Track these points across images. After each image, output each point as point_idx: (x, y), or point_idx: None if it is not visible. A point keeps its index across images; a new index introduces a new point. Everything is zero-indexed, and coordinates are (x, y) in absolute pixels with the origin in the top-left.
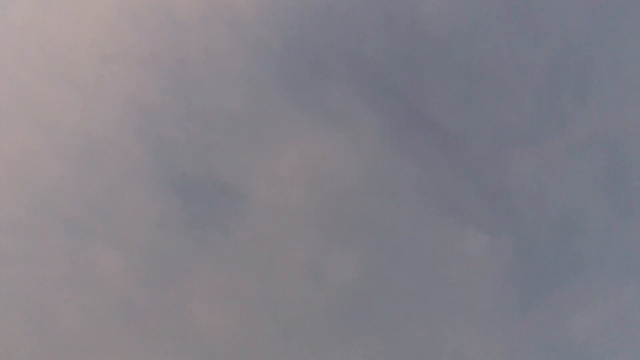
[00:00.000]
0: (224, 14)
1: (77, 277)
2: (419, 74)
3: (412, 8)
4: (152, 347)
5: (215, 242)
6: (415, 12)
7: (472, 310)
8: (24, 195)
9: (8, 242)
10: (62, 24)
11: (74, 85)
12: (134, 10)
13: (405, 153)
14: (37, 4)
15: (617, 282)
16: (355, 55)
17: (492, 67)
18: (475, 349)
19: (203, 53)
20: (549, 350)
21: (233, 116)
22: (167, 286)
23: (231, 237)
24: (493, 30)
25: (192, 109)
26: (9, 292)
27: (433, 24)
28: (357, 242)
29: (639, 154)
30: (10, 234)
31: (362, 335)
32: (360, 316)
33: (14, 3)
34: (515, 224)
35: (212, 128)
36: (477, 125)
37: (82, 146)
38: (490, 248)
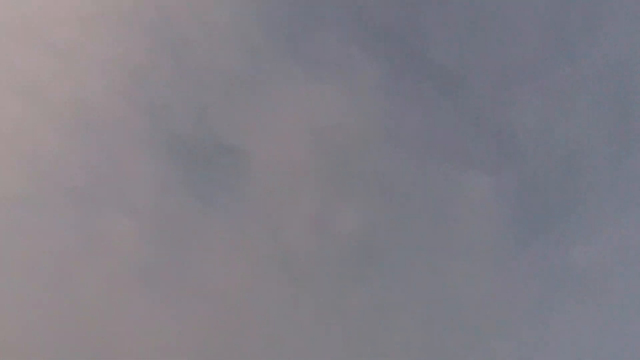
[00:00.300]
0: None
1: (90, 245)
2: (415, 11)
3: None
4: (170, 307)
5: (221, 201)
6: None
7: (477, 250)
8: (25, 170)
9: (17, 217)
10: None
11: (56, 51)
12: None
13: (405, 97)
14: None
15: (619, 214)
16: None
17: None
18: (480, 286)
19: (187, 8)
20: (551, 280)
21: (225, 73)
22: (179, 247)
23: (236, 195)
24: None
25: (182, 68)
26: (25, 266)
27: None
28: (361, 191)
29: None
30: (18, 209)
31: (369, 281)
32: (368, 263)
33: None
34: (519, 163)
35: (205, 87)
36: (478, 62)
37: (74, 115)
38: (494, 189)
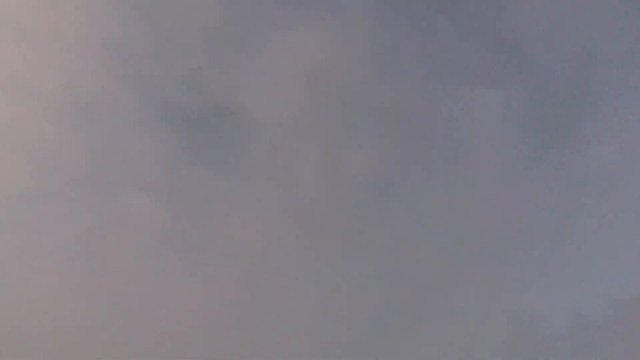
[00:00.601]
0: None
1: (112, 224)
2: None
3: None
4: (194, 269)
5: (228, 162)
6: None
7: (492, 169)
8: (30, 166)
9: (37, 211)
10: None
11: (29, 39)
12: None
13: (397, 21)
14: None
15: (634, 109)
16: None
17: None
18: (499, 203)
19: None
20: (570, 185)
21: (208, 32)
22: (195, 211)
23: (241, 153)
24: None
25: (162, 35)
26: (58, 252)
27: None
28: (366, 128)
29: None
30: (35, 204)
31: (386, 216)
32: (382, 198)
33: None
34: (527, 73)
35: (190, 50)
36: None
37: (63, 102)
38: (503, 104)
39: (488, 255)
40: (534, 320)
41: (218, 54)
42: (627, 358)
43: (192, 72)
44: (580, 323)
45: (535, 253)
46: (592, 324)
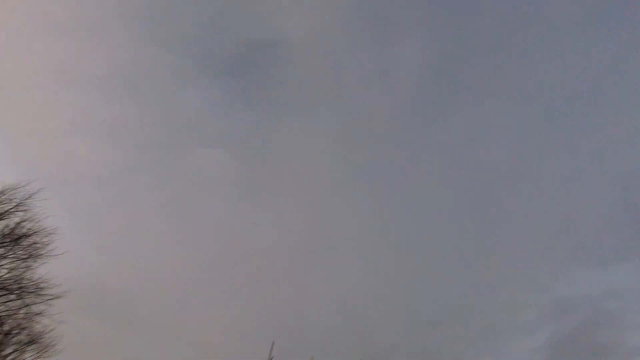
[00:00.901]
0: None
1: (192, 182)
2: None
3: None
4: (267, 205)
5: (278, 97)
6: None
7: None
8: (115, 145)
9: (134, 183)
10: None
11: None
12: None
13: None
14: None
15: None
16: None
17: None
18: None
19: None
20: None
21: None
22: (258, 154)
23: (289, 87)
24: None
25: None
26: (154, 218)
27: None
28: (414, 28)
29: None
30: (129, 176)
31: (439, 117)
32: (433, 98)
33: None
34: None
35: None
36: None
37: (126, 84)
38: None
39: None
40: None
41: None
42: None
43: (220, 13)
44: None
45: None
46: None
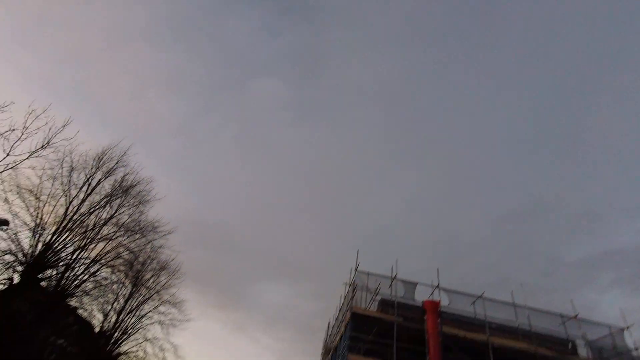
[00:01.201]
0: None
1: (253, 111)
2: None
3: None
4: (315, 129)
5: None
6: None
7: None
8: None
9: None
10: None
11: None
12: None
13: None
14: None
15: None
16: None
17: None
18: None
19: None
20: None
21: None
22: (310, 82)
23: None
24: None
25: None
26: (227, 156)
27: None
28: None
29: None
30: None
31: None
32: None
33: None
34: None
35: None
36: None
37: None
38: None
39: None
40: None
41: None
42: None
43: None
44: None
45: None
46: None
